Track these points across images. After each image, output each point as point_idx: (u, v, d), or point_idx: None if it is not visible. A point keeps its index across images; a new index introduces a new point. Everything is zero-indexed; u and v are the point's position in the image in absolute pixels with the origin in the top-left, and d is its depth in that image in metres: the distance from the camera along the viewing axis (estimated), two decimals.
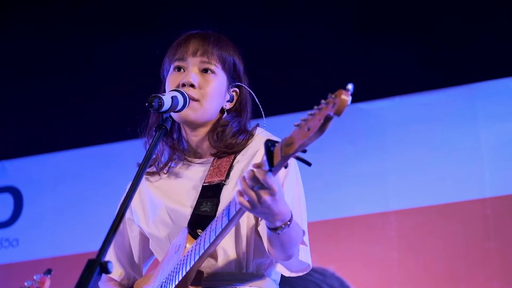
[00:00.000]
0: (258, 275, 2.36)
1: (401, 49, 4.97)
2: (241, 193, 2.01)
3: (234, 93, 2.49)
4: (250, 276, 2.35)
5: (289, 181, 2.34)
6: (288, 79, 5.11)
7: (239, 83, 2.49)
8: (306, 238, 2.33)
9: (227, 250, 2.32)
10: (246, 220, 2.32)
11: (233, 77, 2.47)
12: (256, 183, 1.97)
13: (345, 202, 4.96)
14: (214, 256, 2.32)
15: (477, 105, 4.87)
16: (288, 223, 2.11)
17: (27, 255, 5.58)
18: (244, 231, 2.33)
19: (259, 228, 2.29)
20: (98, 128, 5.54)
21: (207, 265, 2.31)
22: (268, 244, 2.23)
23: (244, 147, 2.40)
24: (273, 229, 2.11)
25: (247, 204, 2.00)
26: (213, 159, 2.42)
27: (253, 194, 1.98)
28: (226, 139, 2.40)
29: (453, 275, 4.69)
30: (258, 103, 2.49)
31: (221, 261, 2.33)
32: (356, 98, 5.21)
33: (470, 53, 4.88)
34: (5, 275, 5.52)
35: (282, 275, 2.44)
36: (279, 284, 2.46)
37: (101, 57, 5.50)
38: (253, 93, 2.50)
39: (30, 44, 5.65)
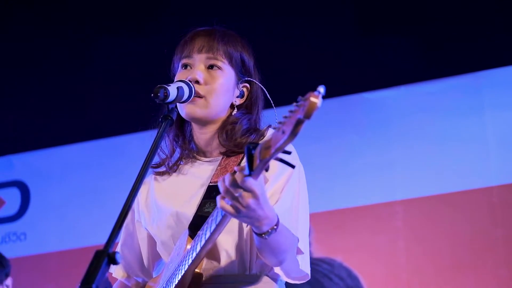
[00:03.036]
0: (261, 277, 2.33)
1: (406, 38, 4.96)
2: (223, 198, 1.98)
3: (244, 89, 2.46)
4: (253, 278, 2.32)
5: (290, 186, 2.31)
6: (292, 70, 5.10)
7: (249, 79, 2.46)
8: (302, 245, 2.27)
9: (229, 251, 2.29)
10: None
11: (242, 73, 2.44)
12: (236, 187, 1.94)
13: (351, 192, 4.96)
14: (216, 258, 2.30)
15: (483, 93, 4.86)
16: (275, 227, 2.07)
17: (35, 249, 5.59)
18: (246, 231, 2.29)
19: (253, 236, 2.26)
20: (104, 121, 5.55)
21: (210, 267, 2.29)
22: (258, 250, 2.21)
23: None
24: (259, 234, 2.08)
25: (230, 209, 1.97)
26: (221, 159, 2.40)
27: (235, 198, 1.95)
28: (236, 138, 2.38)
29: (460, 264, 4.69)
30: (270, 98, 2.46)
31: (223, 262, 2.29)
32: (361, 87, 5.23)
33: (476, 41, 4.86)
34: (13, 269, 5.53)
35: None
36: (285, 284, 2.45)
37: (106, 49, 5.50)
38: (264, 89, 2.47)
39: (35, 37, 5.65)
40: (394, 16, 5.04)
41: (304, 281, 2.35)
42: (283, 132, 1.77)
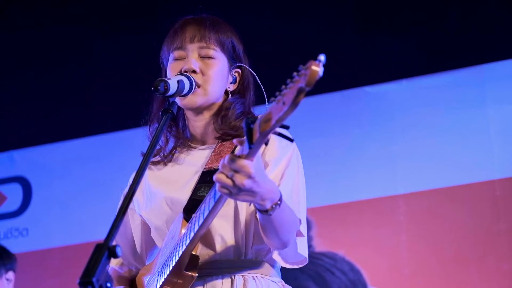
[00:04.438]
0: (257, 262, 2.34)
1: (408, 32, 4.94)
2: (219, 181, 1.96)
3: (236, 74, 2.49)
4: (249, 263, 2.32)
5: (290, 170, 2.32)
6: (293, 65, 5.08)
7: (240, 64, 2.49)
8: (303, 228, 2.28)
9: (224, 236, 2.30)
10: (246, 205, 2.29)
11: (233, 58, 2.47)
12: (229, 169, 1.93)
13: (353, 186, 4.96)
14: (211, 243, 2.30)
15: (485, 86, 4.85)
16: (279, 202, 2.07)
17: (37, 245, 5.59)
18: (243, 216, 2.30)
19: (257, 215, 2.26)
20: (106, 116, 5.54)
21: (205, 253, 2.29)
22: (262, 230, 2.20)
23: None
24: (264, 212, 2.07)
25: (227, 191, 1.96)
26: (216, 145, 2.41)
27: (229, 180, 1.93)
28: (231, 121, 2.40)
29: (463, 258, 4.68)
30: (260, 83, 2.48)
31: (218, 248, 2.30)
32: (363, 81, 5.21)
33: (478, 34, 4.85)
34: (16, 264, 5.54)
35: None
36: (289, 270, 2.44)
37: (108, 45, 5.49)
38: (254, 73, 2.49)
39: (37, 33, 5.64)
40: (396, 9, 5.03)
41: (302, 265, 2.35)
42: (284, 103, 1.74)
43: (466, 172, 4.77)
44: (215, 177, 1.96)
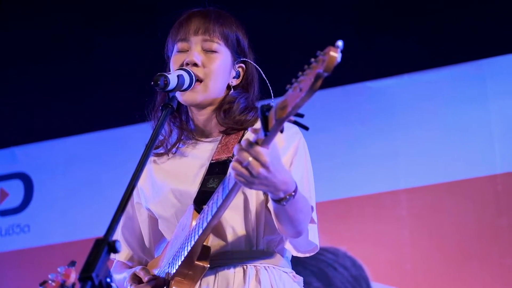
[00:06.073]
0: (268, 253, 2.34)
1: (409, 26, 4.93)
2: (235, 169, 1.96)
3: (240, 69, 2.48)
4: (260, 254, 2.32)
5: (298, 158, 2.32)
6: (293, 60, 5.06)
7: (244, 59, 2.47)
8: (314, 215, 2.30)
9: (236, 227, 2.30)
10: (256, 196, 2.30)
11: (237, 53, 2.46)
12: (245, 156, 1.92)
13: (355, 181, 4.95)
14: (222, 234, 2.30)
15: (486, 81, 4.84)
16: (293, 193, 2.06)
17: (38, 241, 5.59)
18: (253, 207, 2.30)
19: (268, 205, 2.25)
20: (107, 112, 5.54)
21: (216, 243, 2.30)
22: (276, 219, 2.20)
23: (254, 124, 2.37)
24: (277, 201, 2.06)
25: (242, 179, 1.96)
26: (221, 137, 2.41)
27: (244, 169, 1.93)
28: (235, 116, 2.39)
29: (465, 253, 4.67)
30: (265, 78, 2.47)
31: (230, 238, 2.30)
32: (365, 76, 5.19)
33: (479, 29, 4.84)
34: (17, 261, 5.54)
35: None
36: (292, 264, 2.44)
37: (108, 41, 5.48)
38: (259, 68, 2.48)
39: (37, 30, 5.64)
40: (397, 4, 5.01)
41: (313, 253, 2.35)
42: (301, 90, 1.74)
43: (468, 166, 4.77)
44: (231, 164, 1.95)
